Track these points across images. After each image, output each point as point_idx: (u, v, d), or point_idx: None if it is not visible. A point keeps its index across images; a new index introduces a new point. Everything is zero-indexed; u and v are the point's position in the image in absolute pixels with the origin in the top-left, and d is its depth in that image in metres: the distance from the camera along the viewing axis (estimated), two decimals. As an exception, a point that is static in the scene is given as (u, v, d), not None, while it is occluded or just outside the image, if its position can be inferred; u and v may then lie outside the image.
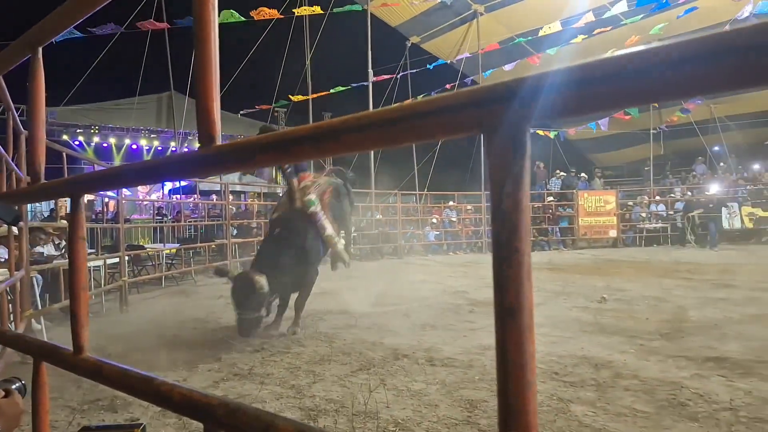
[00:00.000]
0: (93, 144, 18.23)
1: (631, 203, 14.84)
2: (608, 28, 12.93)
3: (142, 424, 0.83)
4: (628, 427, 2.45)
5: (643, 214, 14.35)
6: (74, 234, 0.95)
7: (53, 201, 12.03)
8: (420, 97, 14.52)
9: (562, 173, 15.70)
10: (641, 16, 12.53)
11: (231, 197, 12.82)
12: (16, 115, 3.10)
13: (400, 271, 9.70)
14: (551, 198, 14.77)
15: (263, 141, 0.60)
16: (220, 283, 8.28)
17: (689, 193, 14.39)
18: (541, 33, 13.76)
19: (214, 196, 15.43)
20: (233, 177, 15.38)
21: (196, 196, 13.54)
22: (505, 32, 15.81)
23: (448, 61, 16.25)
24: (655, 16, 12.34)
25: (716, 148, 17.59)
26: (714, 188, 14.10)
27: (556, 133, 15.68)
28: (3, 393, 0.98)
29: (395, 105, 0.48)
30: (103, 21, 11.73)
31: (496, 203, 0.42)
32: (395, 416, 2.63)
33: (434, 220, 13.96)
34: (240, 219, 11.80)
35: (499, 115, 0.41)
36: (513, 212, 0.41)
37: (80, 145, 17.63)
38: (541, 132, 15.81)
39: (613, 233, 14.15)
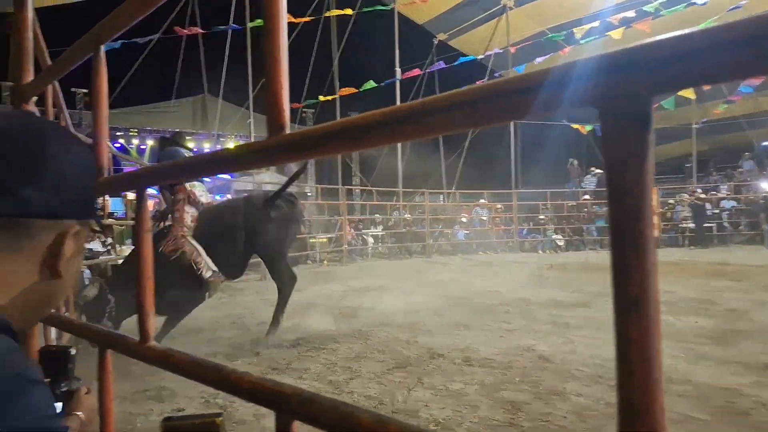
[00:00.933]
0: (133, 146, 18.73)
1: (672, 201, 14.39)
2: (648, 20, 12.53)
3: (221, 413, 0.83)
4: (680, 433, 2.37)
5: (685, 213, 13.87)
6: (140, 227, 0.96)
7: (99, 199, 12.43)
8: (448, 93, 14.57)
9: (597, 170, 15.33)
10: (683, 5, 12.07)
11: (263, 196, 12.99)
12: (68, 116, 3.20)
13: (429, 270, 9.65)
14: (586, 196, 14.46)
15: (334, 128, 0.58)
16: (254, 280, 8.41)
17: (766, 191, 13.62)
18: (577, 34, 13.44)
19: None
20: (265, 175, 15.58)
21: (230, 195, 13.76)
22: (535, 26, 15.56)
23: (478, 58, 16.08)
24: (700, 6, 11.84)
25: (766, 144, 16.86)
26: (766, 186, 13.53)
27: (591, 127, 15.30)
28: (86, 389, 1.00)
29: (489, 82, 0.46)
30: (141, 28, 12.01)
31: (614, 185, 0.39)
32: (435, 416, 2.61)
33: (463, 219, 13.84)
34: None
35: (619, 86, 0.38)
36: (636, 193, 0.38)
37: (121, 147, 18.12)
38: (575, 126, 15.45)
39: (655, 233, 13.76)
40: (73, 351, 1.02)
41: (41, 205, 0.56)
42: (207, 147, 18.53)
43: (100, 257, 5.47)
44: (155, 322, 4.14)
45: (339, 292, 6.95)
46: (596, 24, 13.13)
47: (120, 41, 11.79)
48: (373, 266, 10.74)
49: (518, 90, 0.43)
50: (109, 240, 6.16)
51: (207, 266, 4.07)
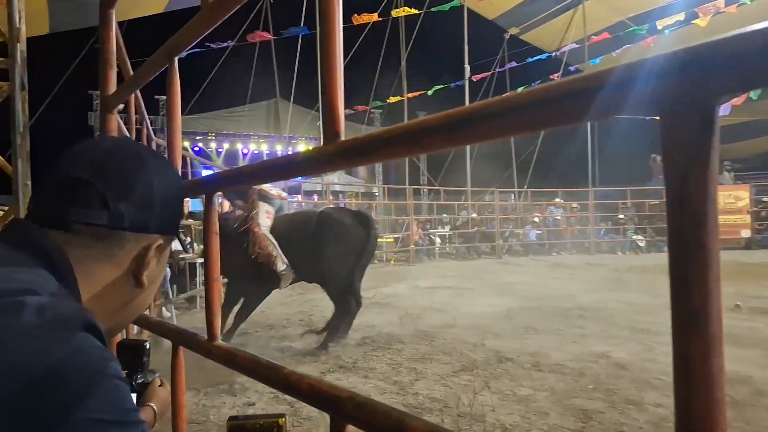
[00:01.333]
0: (211, 149, 19.76)
1: (766, 199, 13.21)
2: (735, 6, 11.60)
3: (284, 414, 0.86)
4: (772, 452, 2.17)
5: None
6: (209, 229, 1.01)
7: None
8: (520, 90, 14.17)
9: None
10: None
11: (330, 197, 13.28)
12: (149, 122, 3.43)
13: (498, 271, 9.45)
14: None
15: (388, 134, 0.59)
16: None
17: None
18: (659, 25, 12.66)
19: (315, 196, 16.06)
20: (333, 177, 15.92)
21: (300, 196, 14.18)
22: (613, 16, 14.79)
23: (553, 55, 15.54)
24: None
25: None
26: None
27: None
28: (160, 381, 1.07)
29: (545, 84, 0.44)
30: (217, 35, 12.64)
31: (675, 192, 0.37)
32: (502, 421, 2.55)
33: (536, 219, 13.41)
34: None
35: (680, 89, 0.35)
36: (699, 202, 0.35)
37: (200, 151, 19.17)
38: (658, 118, 14.51)
39: (745, 233, 12.71)
40: (148, 344, 1.09)
41: (132, 220, 0.62)
42: (279, 149, 19.21)
43: (180, 256, 5.81)
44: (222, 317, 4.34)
45: (405, 292, 6.97)
46: (681, 17, 12.29)
47: (201, 49, 12.47)
48: (440, 266, 10.68)
49: (576, 93, 0.42)
50: (188, 239, 6.52)
51: (281, 260, 4.28)
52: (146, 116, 3.22)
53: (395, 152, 0.60)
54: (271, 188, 4.55)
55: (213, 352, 0.97)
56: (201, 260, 6.53)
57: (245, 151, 20.40)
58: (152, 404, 1.04)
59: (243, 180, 0.93)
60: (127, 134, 1.89)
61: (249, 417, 0.90)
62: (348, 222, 4.32)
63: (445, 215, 13.88)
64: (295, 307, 6.02)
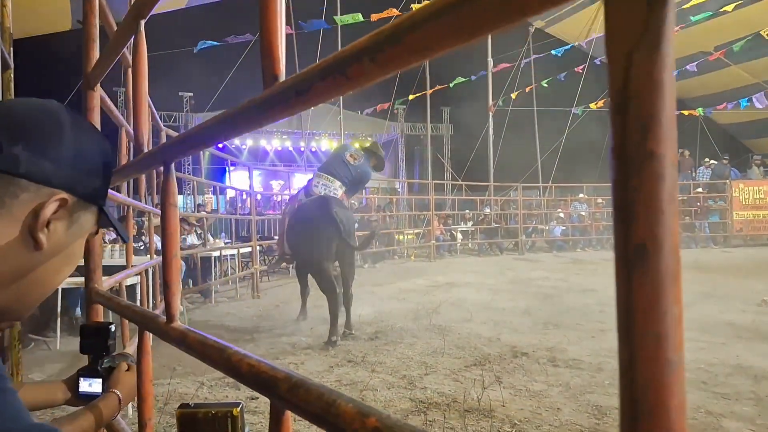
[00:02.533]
0: (233, 146, 19.94)
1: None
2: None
3: (240, 403, 0.78)
4: (802, 454, 2.02)
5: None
6: (166, 201, 0.94)
7: (201, 197, 13.38)
8: (544, 83, 13.69)
9: (712, 161, 13.86)
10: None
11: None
12: (158, 118, 3.40)
13: (520, 267, 9.26)
14: (699, 189, 13.13)
15: (320, 66, 0.50)
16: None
17: None
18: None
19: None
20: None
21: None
22: (643, 6, 14.33)
23: (576, 44, 15.16)
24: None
25: None
26: None
27: (702, 111, 13.78)
28: (126, 366, 1.01)
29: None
30: (236, 29, 12.69)
31: (618, 89, 0.27)
32: (511, 416, 2.44)
33: (560, 214, 13.13)
34: (360, 212, 12.11)
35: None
36: (645, 97, 0.26)
37: (224, 147, 19.38)
38: (686, 112, 14.05)
39: (776, 230, 12.23)
40: (113, 327, 1.03)
41: (29, 166, 0.56)
42: (302, 145, 19.29)
43: (195, 249, 5.83)
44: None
45: (423, 287, 6.86)
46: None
47: (214, 42, 12.53)
48: (461, 262, 10.54)
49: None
50: (200, 232, 6.55)
51: None
52: (152, 106, 3.20)
53: (327, 88, 0.52)
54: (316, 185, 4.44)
55: (168, 333, 0.90)
56: (217, 253, 6.56)
57: (268, 148, 20.57)
58: (116, 390, 0.98)
59: (197, 142, 0.87)
60: (114, 110, 1.85)
61: (202, 405, 0.83)
62: (308, 209, 4.22)
63: (467, 211, 13.71)
64: (310, 302, 5.97)
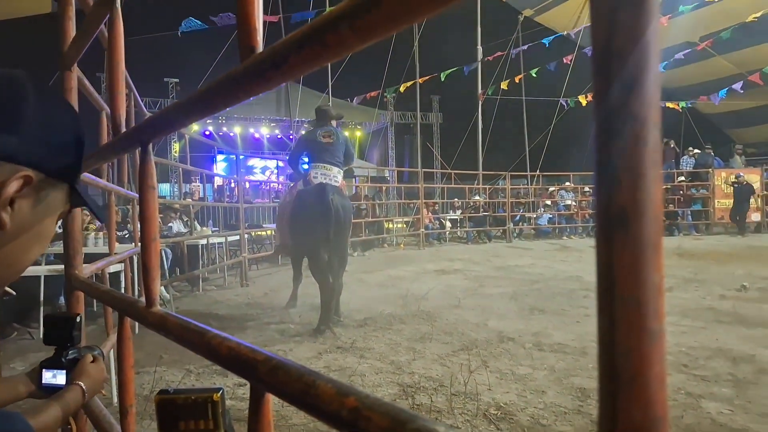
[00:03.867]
0: (221, 133, 19.71)
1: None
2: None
3: (220, 388, 0.76)
4: (780, 434, 2.06)
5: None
6: (144, 183, 0.92)
7: (188, 185, 13.25)
8: (533, 73, 13.64)
9: (695, 151, 14.01)
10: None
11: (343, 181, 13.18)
12: (142, 104, 3.34)
13: (508, 254, 9.32)
14: (682, 178, 13.27)
15: (297, 35, 0.49)
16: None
17: None
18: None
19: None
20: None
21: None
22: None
23: (564, 33, 15.15)
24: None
25: None
26: None
27: (685, 104, 13.91)
28: (91, 358, 0.98)
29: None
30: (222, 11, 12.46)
31: (601, 49, 0.26)
32: (497, 399, 2.47)
33: (547, 203, 13.22)
34: (351, 201, 12.08)
35: None
36: (629, 57, 0.25)
37: (210, 135, 19.14)
38: (669, 105, 14.14)
39: (756, 217, 12.41)
40: (79, 318, 1.00)
41: None
42: (292, 133, 19.12)
43: (182, 237, 5.77)
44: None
45: (412, 274, 6.88)
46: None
47: (199, 22, 12.28)
48: (450, 250, 10.57)
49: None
50: (186, 219, 6.49)
51: None
52: (135, 91, 3.14)
53: (305, 59, 0.50)
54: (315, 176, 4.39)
55: (148, 318, 0.88)
56: (204, 242, 6.51)
57: (257, 135, 20.37)
58: (80, 383, 0.95)
59: (175, 121, 0.84)
60: (93, 92, 1.81)
61: (181, 391, 0.81)
62: (306, 196, 4.16)
63: (456, 199, 13.73)
64: (301, 289, 5.95)
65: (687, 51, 12.96)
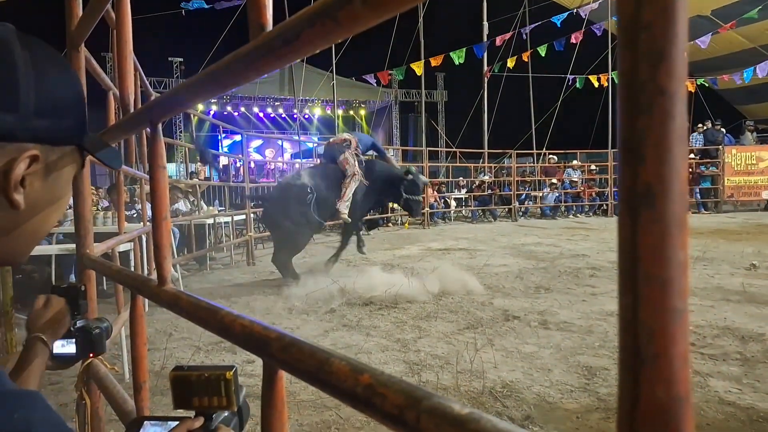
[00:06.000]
0: (226, 113, 19.60)
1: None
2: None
3: (233, 366, 0.76)
4: (785, 411, 2.07)
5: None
6: (154, 163, 0.92)
7: (194, 165, 13.23)
8: (541, 50, 13.38)
9: (704, 126, 13.81)
10: None
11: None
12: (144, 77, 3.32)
13: (513, 233, 9.31)
14: (691, 155, 13.13)
15: (308, 12, 0.48)
16: (336, 242, 8.59)
17: None
18: None
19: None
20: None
21: (315, 159, 14.07)
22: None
23: (574, 12, 14.85)
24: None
25: None
26: None
27: (702, 81, 13.64)
28: (42, 302, 0.97)
29: None
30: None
31: (629, 16, 0.25)
32: (503, 377, 2.49)
33: (554, 181, 13.15)
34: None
35: None
36: (658, 27, 0.24)
37: (215, 115, 19.04)
38: (689, 84, 13.87)
39: (766, 195, 12.32)
40: (83, 287, 1.01)
41: None
42: (295, 112, 19.00)
43: (189, 216, 5.80)
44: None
45: (417, 253, 6.90)
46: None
47: (203, 2, 12.12)
48: (454, 229, 10.58)
49: None
50: (192, 199, 6.50)
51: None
52: (141, 71, 3.12)
53: (317, 35, 0.49)
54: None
55: (160, 296, 0.89)
56: (210, 221, 6.53)
57: (261, 114, 20.26)
58: (38, 334, 0.93)
59: (184, 100, 0.84)
60: (100, 72, 1.79)
61: (195, 368, 0.82)
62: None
63: (461, 178, 13.67)
64: (307, 267, 6.00)
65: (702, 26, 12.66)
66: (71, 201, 1.46)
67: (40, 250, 3.57)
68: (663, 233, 0.24)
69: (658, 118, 0.24)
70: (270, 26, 0.58)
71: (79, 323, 0.99)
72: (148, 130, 0.93)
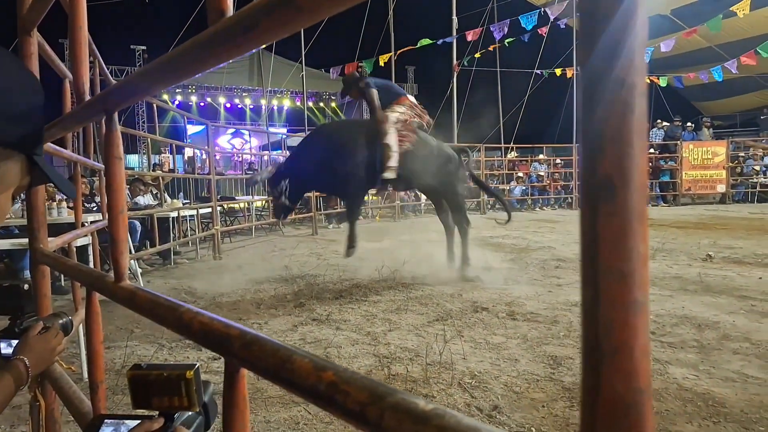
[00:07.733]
0: (192, 103, 19.13)
1: (743, 155, 13.30)
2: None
3: (195, 365, 0.74)
4: (738, 394, 2.16)
5: (757, 168, 12.84)
6: (110, 154, 0.88)
7: (157, 157, 12.89)
8: (508, 42, 13.46)
9: (664, 123, 14.25)
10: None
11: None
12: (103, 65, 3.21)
13: (482, 226, 9.41)
14: (651, 150, 13.54)
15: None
16: (305, 235, 8.53)
17: None
18: None
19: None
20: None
21: (283, 151, 13.91)
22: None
23: (542, 11, 15.03)
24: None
25: None
26: None
27: (666, 81, 14.04)
28: (40, 327, 0.93)
29: None
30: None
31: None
32: (472, 368, 2.52)
33: (520, 175, 13.37)
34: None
35: None
36: (617, 18, 0.24)
37: (180, 105, 18.56)
38: (654, 79, 14.26)
39: (721, 188, 12.82)
40: (26, 287, 0.97)
41: None
42: (263, 103, 18.71)
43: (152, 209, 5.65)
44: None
45: (388, 247, 6.91)
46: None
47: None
48: (425, 222, 10.62)
49: None
50: (155, 192, 6.34)
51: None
52: (100, 58, 3.01)
53: (276, 23, 0.47)
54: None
55: (117, 293, 0.86)
56: (174, 214, 6.38)
57: (228, 105, 19.87)
58: (23, 357, 0.89)
59: (142, 88, 0.80)
60: (55, 59, 1.72)
61: (155, 366, 0.80)
62: None
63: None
64: (275, 261, 5.94)
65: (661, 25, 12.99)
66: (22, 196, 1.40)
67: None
68: (623, 226, 0.24)
69: (618, 110, 0.24)
70: (230, 12, 0.56)
71: (26, 323, 0.94)
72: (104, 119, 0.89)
